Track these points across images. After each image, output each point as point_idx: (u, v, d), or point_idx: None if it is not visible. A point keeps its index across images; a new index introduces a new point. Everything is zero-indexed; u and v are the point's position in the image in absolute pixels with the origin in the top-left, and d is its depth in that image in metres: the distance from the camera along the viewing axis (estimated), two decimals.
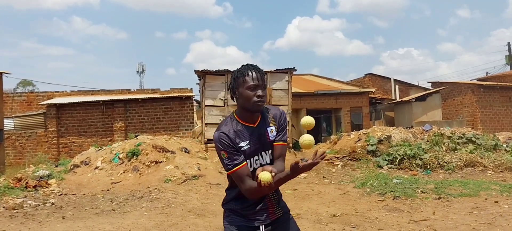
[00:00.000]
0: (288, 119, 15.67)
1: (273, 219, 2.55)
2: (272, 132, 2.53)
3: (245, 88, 2.44)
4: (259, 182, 2.22)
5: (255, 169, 2.44)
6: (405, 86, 28.94)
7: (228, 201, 2.62)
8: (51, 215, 7.80)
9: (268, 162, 2.52)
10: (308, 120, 2.45)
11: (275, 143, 2.54)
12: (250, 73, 2.44)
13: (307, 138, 2.41)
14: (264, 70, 2.61)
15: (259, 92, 2.42)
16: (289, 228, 2.60)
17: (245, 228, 2.53)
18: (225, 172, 2.51)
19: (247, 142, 2.46)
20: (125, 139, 15.44)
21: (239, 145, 2.44)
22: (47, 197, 9.40)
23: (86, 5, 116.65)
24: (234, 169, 2.40)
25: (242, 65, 2.53)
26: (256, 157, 2.50)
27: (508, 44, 36.23)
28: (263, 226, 2.52)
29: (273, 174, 2.23)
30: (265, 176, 2.23)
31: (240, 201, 2.54)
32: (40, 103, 18.18)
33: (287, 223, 2.62)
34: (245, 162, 2.43)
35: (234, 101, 2.55)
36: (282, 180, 2.34)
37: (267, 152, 2.52)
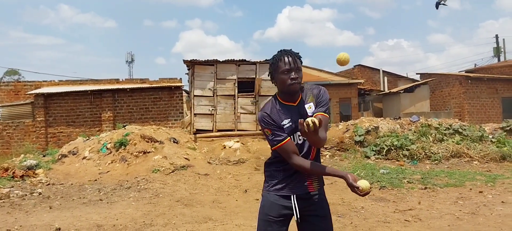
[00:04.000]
0: None
1: (310, 191, 2.70)
2: (311, 108, 2.68)
3: (280, 73, 2.63)
4: (360, 190, 2.39)
5: (297, 143, 2.65)
6: (394, 78, 29.12)
7: (268, 169, 2.80)
8: (38, 204, 7.76)
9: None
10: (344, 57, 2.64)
11: (315, 114, 2.63)
12: (283, 58, 2.63)
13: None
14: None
15: (293, 75, 2.60)
16: (320, 207, 2.73)
17: (281, 198, 2.69)
18: (270, 147, 2.73)
19: (289, 119, 2.64)
20: (114, 129, 15.37)
21: (282, 123, 2.63)
22: (35, 187, 9.34)
23: None
24: (278, 144, 2.63)
25: (278, 52, 2.71)
26: (298, 133, 2.64)
27: (496, 36, 36.49)
28: (294, 196, 2.68)
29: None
30: (364, 184, 2.38)
31: (283, 170, 2.71)
32: (28, 92, 17.99)
33: (320, 201, 2.74)
34: (289, 138, 2.62)
35: (275, 85, 2.72)
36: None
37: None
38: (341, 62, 2.64)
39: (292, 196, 2.68)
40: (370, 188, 2.38)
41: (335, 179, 9.53)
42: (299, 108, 2.68)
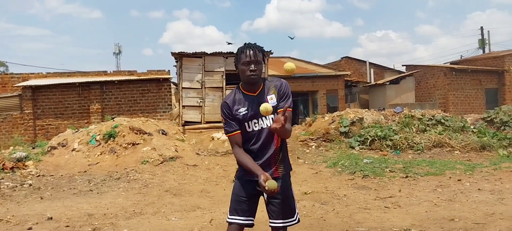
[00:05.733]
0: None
1: (276, 176, 2.94)
2: (272, 99, 2.93)
3: (241, 64, 2.91)
4: (266, 189, 2.68)
5: (253, 130, 2.94)
6: (380, 70, 29.45)
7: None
8: (29, 195, 7.91)
9: (268, 125, 2.91)
10: (291, 66, 2.86)
11: (279, 110, 2.89)
12: (245, 51, 2.89)
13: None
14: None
15: (252, 67, 2.87)
16: (283, 191, 2.95)
17: (249, 182, 2.96)
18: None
19: (246, 108, 2.92)
20: (102, 121, 15.46)
21: (238, 111, 2.92)
22: (25, 178, 9.47)
23: None
24: (228, 134, 2.98)
25: (243, 44, 2.98)
26: (255, 120, 2.93)
27: (481, 28, 37.03)
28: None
29: (279, 184, 2.77)
30: (272, 184, 2.67)
31: (246, 156, 2.95)
32: (15, 85, 17.97)
33: (284, 186, 2.97)
34: (238, 131, 2.94)
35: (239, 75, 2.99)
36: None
37: (267, 116, 2.91)
38: (288, 72, 2.88)
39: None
40: (277, 188, 2.70)
41: (320, 169, 9.84)
42: (258, 99, 2.91)
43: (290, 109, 2.89)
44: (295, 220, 3.01)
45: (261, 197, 3.02)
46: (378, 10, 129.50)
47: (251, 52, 2.86)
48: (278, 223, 2.97)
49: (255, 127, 2.94)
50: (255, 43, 2.96)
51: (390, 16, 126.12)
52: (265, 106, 2.72)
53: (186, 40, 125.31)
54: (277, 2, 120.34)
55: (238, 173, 3.06)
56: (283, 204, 2.97)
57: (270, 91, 2.95)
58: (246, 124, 2.94)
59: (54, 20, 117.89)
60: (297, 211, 3.07)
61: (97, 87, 17.46)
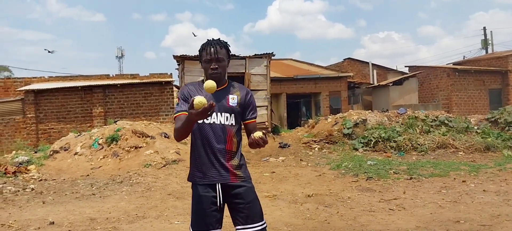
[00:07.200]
0: (266, 103, 15.93)
1: (233, 182, 2.77)
2: (233, 99, 2.83)
3: (203, 61, 2.85)
4: (192, 100, 2.43)
5: (204, 122, 2.76)
6: (383, 71, 29.40)
7: (191, 154, 2.89)
8: (32, 200, 7.87)
9: (222, 123, 2.78)
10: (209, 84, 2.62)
11: (245, 121, 2.89)
12: (207, 48, 2.82)
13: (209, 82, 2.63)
14: (225, 47, 2.90)
15: (212, 65, 2.79)
16: (245, 195, 2.79)
17: (204, 186, 2.76)
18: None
19: (202, 97, 2.68)
20: (105, 125, 15.46)
21: (194, 96, 2.67)
22: (27, 183, 9.44)
23: None
24: (176, 113, 2.79)
25: (206, 40, 2.89)
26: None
27: (484, 28, 36.90)
28: (219, 184, 2.77)
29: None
30: (199, 99, 2.41)
31: (197, 155, 2.82)
32: (18, 89, 17.98)
33: (246, 190, 2.81)
34: (186, 112, 2.67)
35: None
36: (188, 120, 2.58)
37: (222, 113, 2.79)
38: (208, 90, 2.64)
39: (217, 185, 2.76)
40: (206, 103, 2.42)
41: (323, 171, 9.78)
42: (217, 94, 2.76)
43: (254, 120, 2.93)
44: (264, 224, 2.81)
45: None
46: (381, 11, 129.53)
47: (212, 49, 2.78)
48: (247, 228, 2.75)
49: (206, 120, 2.75)
50: (218, 39, 2.88)
51: (393, 17, 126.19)
52: (210, 83, 2.56)
53: (188, 43, 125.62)
54: (279, 3, 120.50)
55: (192, 176, 2.86)
56: (250, 208, 2.77)
57: (233, 92, 2.86)
58: None
59: (56, 24, 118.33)
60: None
61: (100, 91, 17.48)
